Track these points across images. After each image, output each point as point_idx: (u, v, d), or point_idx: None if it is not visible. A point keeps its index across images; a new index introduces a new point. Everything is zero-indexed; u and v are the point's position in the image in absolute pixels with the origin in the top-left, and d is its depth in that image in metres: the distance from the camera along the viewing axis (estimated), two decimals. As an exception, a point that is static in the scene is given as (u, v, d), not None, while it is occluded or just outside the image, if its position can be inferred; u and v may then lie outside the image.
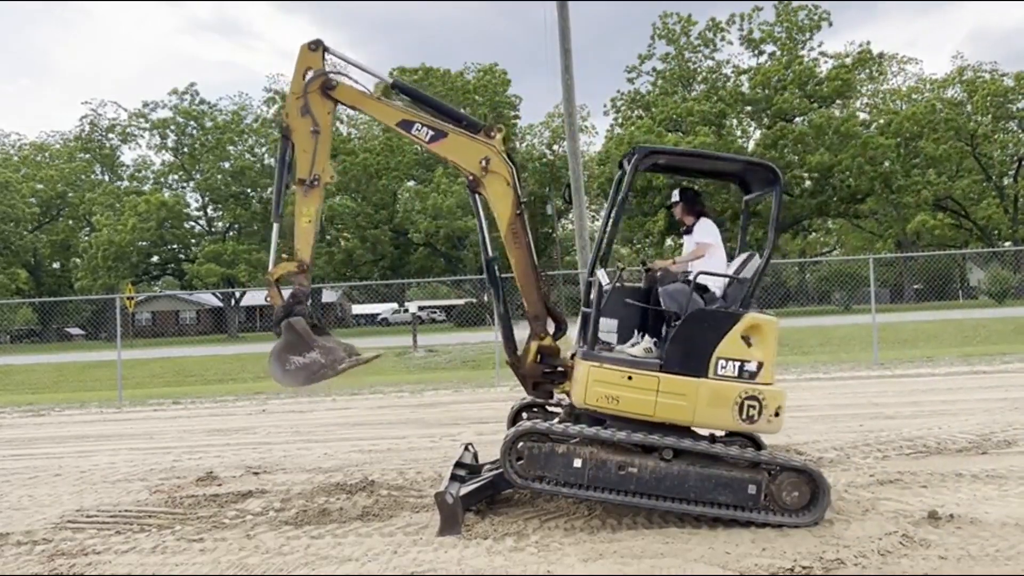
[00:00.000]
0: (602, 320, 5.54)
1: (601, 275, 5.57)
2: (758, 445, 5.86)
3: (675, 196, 6.34)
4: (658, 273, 6.08)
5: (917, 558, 4.30)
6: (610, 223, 5.70)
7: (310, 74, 5.47)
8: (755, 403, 5.07)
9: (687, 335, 5.17)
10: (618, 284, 5.74)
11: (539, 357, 5.69)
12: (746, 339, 5.15)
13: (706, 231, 5.99)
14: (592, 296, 5.60)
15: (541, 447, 5.14)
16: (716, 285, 5.67)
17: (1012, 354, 15.57)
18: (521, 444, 5.15)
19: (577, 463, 5.08)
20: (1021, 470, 6.12)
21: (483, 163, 5.43)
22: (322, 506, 5.86)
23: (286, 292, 5.43)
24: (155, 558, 4.86)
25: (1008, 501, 5.31)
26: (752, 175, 5.94)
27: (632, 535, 4.87)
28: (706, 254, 5.90)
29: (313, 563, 4.61)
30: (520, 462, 5.14)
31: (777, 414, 5.14)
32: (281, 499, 6.17)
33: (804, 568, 4.21)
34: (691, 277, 5.55)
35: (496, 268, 5.78)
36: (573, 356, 5.66)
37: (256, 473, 7.32)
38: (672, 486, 5.02)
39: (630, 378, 5.15)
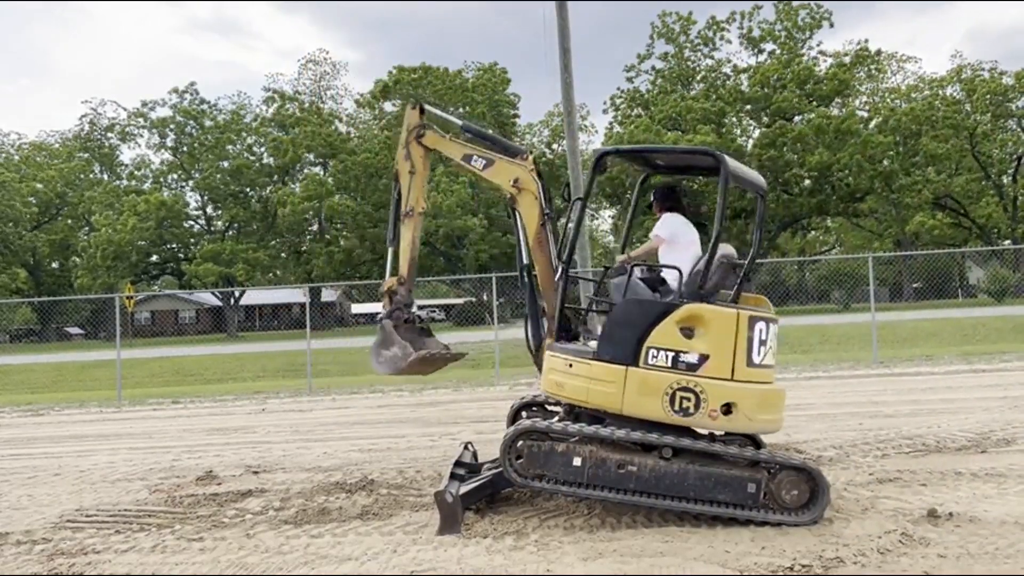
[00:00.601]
0: None
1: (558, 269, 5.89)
2: (757, 444, 5.87)
3: (651, 196, 6.48)
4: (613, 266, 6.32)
5: (916, 556, 4.30)
6: (574, 222, 5.89)
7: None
8: (690, 395, 4.94)
9: (617, 324, 5.23)
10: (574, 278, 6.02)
11: None
12: (687, 330, 5.04)
13: (664, 225, 6.00)
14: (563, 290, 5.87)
15: (541, 446, 5.14)
16: (677, 278, 5.68)
17: (1011, 352, 15.58)
18: (521, 443, 5.16)
19: (577, 461, 5.07)
20: (1020, 468, 6.12)
21: (514, 182, 6.08)
22: (321, 505, 5.86)
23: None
24: (155, 557, 4.86)
25: (1007, 499, 5.31)
26: (698, 163, 5.97)
27: (632, 534, 4.87)
28: (659, 247, 5.94)
29: (312, 562, 4.61)
30: (520, 461, 5.14)
31: (727, 411, 4.93)
32: (280, 498, 6.17)
33: (803, 566, 4.21)
34: (629, 268, 5.71)
35: (528, 274, 6.25)
36: None
37: (255, 472, 7.32)
38: (672, 485, 5.01)
39: (571, 365, 5.31)
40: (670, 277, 5.70)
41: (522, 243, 6.23)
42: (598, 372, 5.15)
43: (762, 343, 5.14)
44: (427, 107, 6.71)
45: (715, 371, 4.98)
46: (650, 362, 5.04)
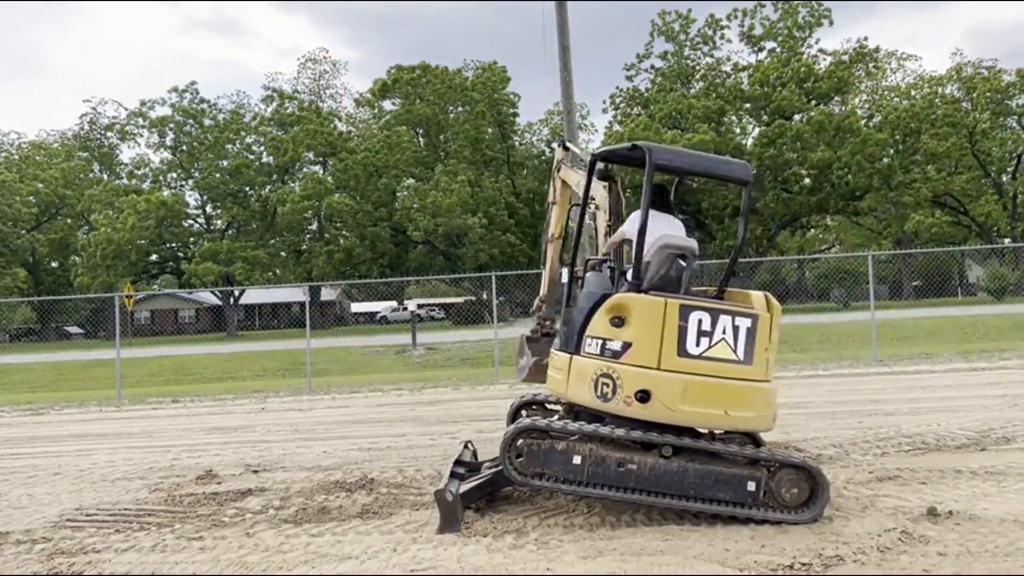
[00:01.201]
0: None
1: (564, 272, 6.25)
2: (757, 442, 5.87)
3: None
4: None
5: (916, 555, 4.31)
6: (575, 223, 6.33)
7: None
8: (608, 381, 5.07)
9: (569, 315, 5.67)
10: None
11: None
12: (617, 319, 5.13)
13: (630, 221, 6.05)
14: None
15: (540, 444, 5.15)
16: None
17: (1011, 351, 15.58)
18: (520, 441, 5.16)
19: (576, 460, 5.08)
20: (1020, 467, 6.12)
21: (592, 199, 6.45)
22: (321, 504, 5.86)
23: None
24: (155, 556, 4.86)
25: (1007, 497, 5.32)
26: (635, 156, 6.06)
27: (631, 532, 4.87)
28: (619, 241, 6.07)
29: (312, 561, 4.61)
30: (520, 459, 5.15)
31: (643, 399, 4.98)
32: (280, 497, 6.17)
33: (803, 565, 4.21)
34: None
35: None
36: None
37: (255, 471, 7.32)
38: (671, 483, 5.02)
39: (552, 357, 5.85)
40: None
41: (588, 249, 6.64)
42: (556, 361, 5.66)
43: (703, 334, 5.07)
44: (568, 145, 7.37)
45: (637, 359, 5.05)
46: (586, 350, 5.25)
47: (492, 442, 6.68)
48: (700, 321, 5.05)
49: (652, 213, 5.97)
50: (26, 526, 5.74)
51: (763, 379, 5.21)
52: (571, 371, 5.30)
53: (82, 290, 47.44)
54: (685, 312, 5.04)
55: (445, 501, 5.05)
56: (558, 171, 7.20)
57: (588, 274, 5.79)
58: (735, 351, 5.11)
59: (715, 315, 5.09)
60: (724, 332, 5.09)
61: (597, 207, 6.45)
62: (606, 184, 6.39)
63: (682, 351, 5.02)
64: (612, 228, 6.21)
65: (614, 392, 5.05)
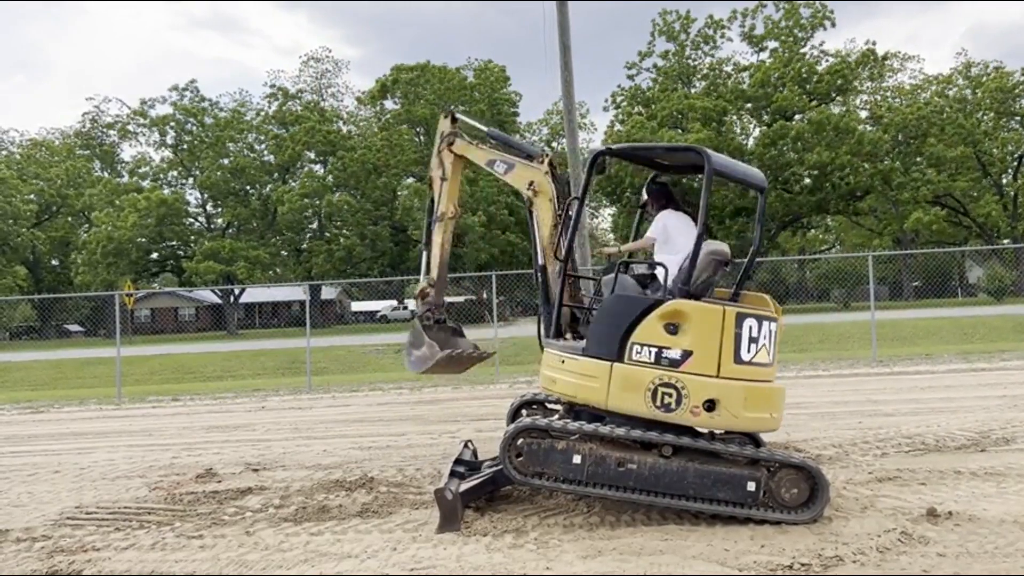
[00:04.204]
0: None
1: (552, 268, 6.08)
2: (757, 442, 5.87)
3: (644, 193, 6.45)
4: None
5: (916, 555, 4.31)
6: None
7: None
8: (672, 391, 4.96)
9: (602, 320, 5.30)
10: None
11: None
12: (671, 326, 5.04)
13: (658, 224, 6.02)
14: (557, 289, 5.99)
15: (540, 443, 5.15)
16: (670, 274, 5.63)
17: (1011, 351, 15.58)
18: (521, 440, 5.16)
19: (576, 459, 5.08)
20: (1019, 467, 6.12)
21: (529, 185, 6.13)
22: (321, 503, 5.86)
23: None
24: (154, 555, 4.86)
25: (1007, 498, 5.32)
26: (687, 160, 6.02)
27: (631, 532, 4.88)
28: (649, 245, 5.98)
29: (312, 560, 4.61)
30: (520, 458, 5.15)
31: (711, 408, 4.93)
32: (280, 496, 6.17)
33: (803, 565, 4.21)
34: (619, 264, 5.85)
35: (544, 274, 6.29)
36: None
37: (255, 470, 7.33)
38: (671, 482, 5.02)
39: (563, 361, 5.43)
40: (660, 274, 5.68)
41: (537, 244, 6.24)
42: (585, 367, 5.22)
43: (752, 340, 5.09)
44: (458, 115, 6.87)
45: (699, 367, 4.98)
46: (634, 358, 5.07)
47: (492, 441, 6.68)
48: (751, 328, 5.10)
49: (675, 214, 5.97)
50: (26, 524, 5.74)
51: (774, 380, 5.34)
52: (613, 379, 5.08)
53: (82, 288, 47.41)
54: (740, 319, 5.07)
55: (445, 500, 5.05)
56: (450, 145, 6.71)
57: (609, 276, 5.69)
58: (769, 355, 5.23)
59: (760, 321, 5.16)
60: (765, 338, 5.17)
61: (536, 192, 6.05)
62: (548, 172, 6.09)
63: (737, 358, 5.04)
64: (558, 222, 5.99)
65: (679, 402, 4.96)
